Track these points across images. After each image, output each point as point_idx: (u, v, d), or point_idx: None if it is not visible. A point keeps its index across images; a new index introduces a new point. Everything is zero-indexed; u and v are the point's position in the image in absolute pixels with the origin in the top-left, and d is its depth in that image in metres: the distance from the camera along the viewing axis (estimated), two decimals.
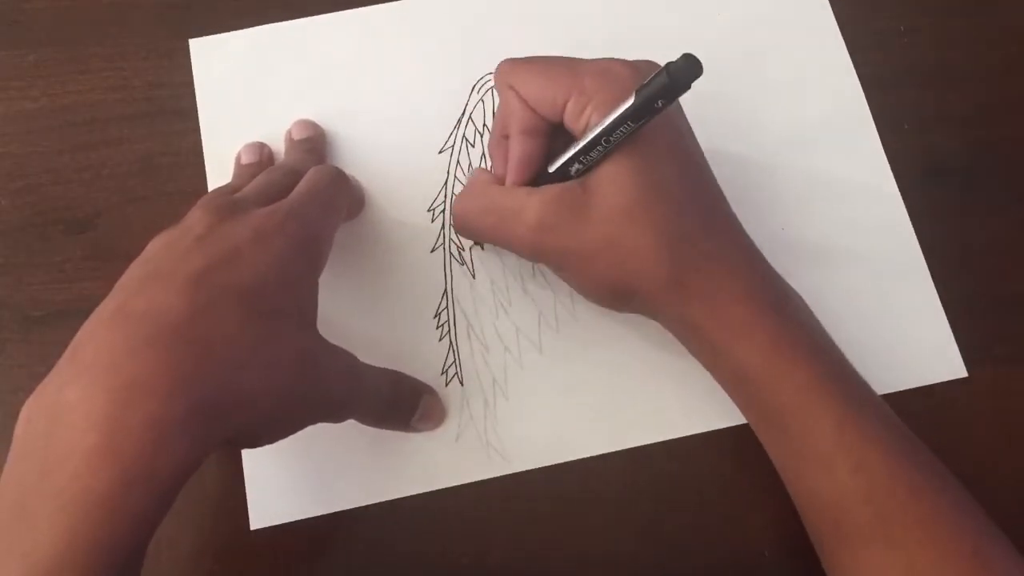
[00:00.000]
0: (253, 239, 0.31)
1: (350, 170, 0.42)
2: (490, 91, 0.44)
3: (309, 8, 0.46)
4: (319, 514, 0.38)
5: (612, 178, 0.32)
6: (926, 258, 0.41)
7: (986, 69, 0.45)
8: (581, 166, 0.33)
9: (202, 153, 0.43)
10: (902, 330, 0.40)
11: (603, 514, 0.38)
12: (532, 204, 0.33)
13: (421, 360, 0.40)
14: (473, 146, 0.43)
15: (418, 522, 0.38)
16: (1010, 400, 0.40)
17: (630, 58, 0.34)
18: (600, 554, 0.38)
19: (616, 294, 0.34)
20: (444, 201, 0.42)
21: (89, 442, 0.26)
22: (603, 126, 0.31)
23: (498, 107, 0.36)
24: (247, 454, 0.38)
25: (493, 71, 0.42)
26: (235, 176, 0.41)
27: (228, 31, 0.45)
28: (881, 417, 0.32)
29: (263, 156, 0.42)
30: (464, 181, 0.42)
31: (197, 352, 0.27)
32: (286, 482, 0.38)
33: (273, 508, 0.38)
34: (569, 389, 0.39)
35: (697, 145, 0.35)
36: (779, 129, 0.43)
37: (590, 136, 0.32)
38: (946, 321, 0.40)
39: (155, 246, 0.32)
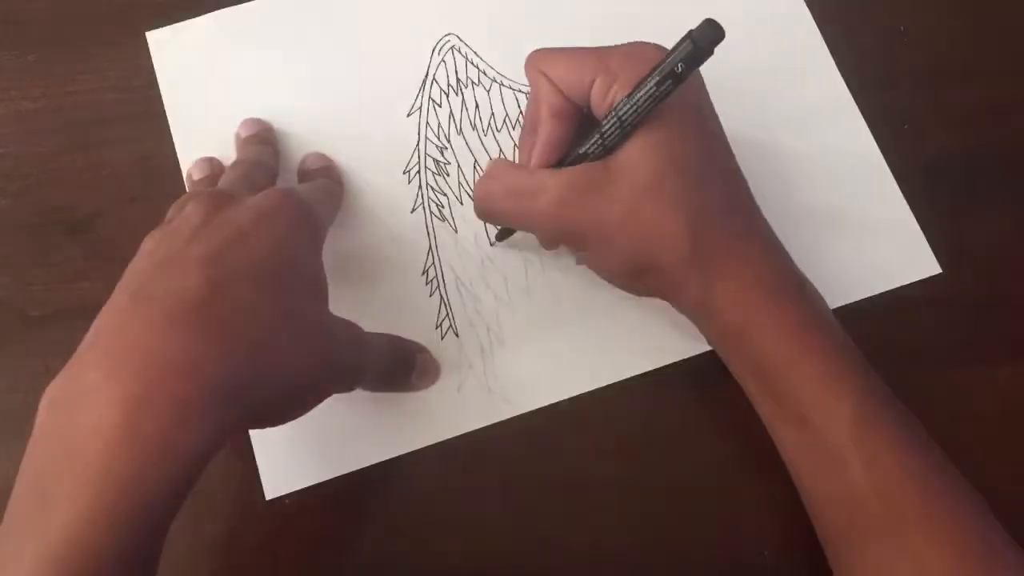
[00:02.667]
0: (255, 220, 0.31)
1: (323, 143, 0.43)
2: (451, 51, 0.45)
3: None
4: (331, 477, 0.38)
5: (634, 155, 0.32)
6: None
7: (986, 69, 0.45)
8: (600, 148, 0.33)
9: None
10: (873, 236, 0.41)
11: (602, 517, 0.38)
12: (554, 182, 0.33)
13: (415, 317, 0.40)
14: (440, 106, 0.44)
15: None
16: (1010, 399, 0.40)
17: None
18: (599, 554, 0.38)
19: (636, 271, 0.34)
20: (419, 162, 0.43)
21: (111, 421, 0.25)
22: (622, 101, 0.31)
23: (529, 97, 0.36)
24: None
25: (452, 32, 0.44)
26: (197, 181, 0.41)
27: None
28: (896, 414, 0.32)
29: (214, 169, 0.42)
30: (435, 141, 0.43)
31: (219, 330, 0.28)
32: (295, 449, 0.38)
33: (285, 476, 0.38)
34: (562, 327, 0.40)
35: (719, 124, 0.35)
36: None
37: (610, 113, 0.32)
38: (916, 223, 0.41)
39: (151, 243, 0.32)
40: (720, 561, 0.37)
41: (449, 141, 0.43)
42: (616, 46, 0.34)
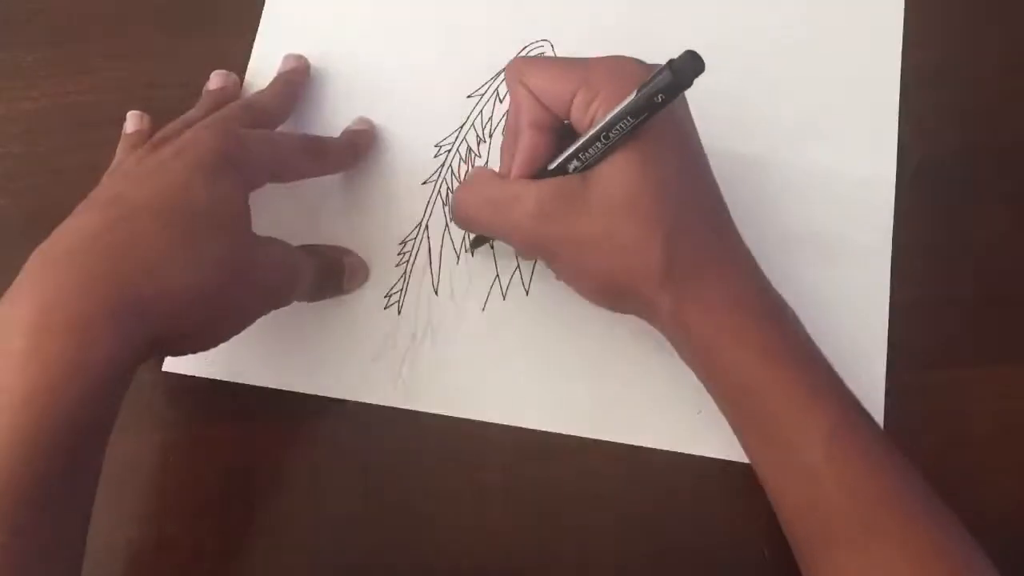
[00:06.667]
0: (173, 155, 0.34)
1: (378, 93, 0.44)
2: (539, 55, 0.45)
3: None
4: (227, 379, 0.40)
5: (613, 172, 0.32)
6: (926, 257, 0.41)
7: (986, 69, 0.45)
8: (580, 163, 0.33)
9: None
10: (843, 331, 0.38)
11: (601, 514, 0.38)
12: (531, 193, 0.33)
13: (371, 278, 0.41)
14: (501, 101, 0.44)
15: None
16: (1010, 400, 0.40)
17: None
18: (599, 554, 0.38)
19: (610, 288, 0.34)
20: (454, 142, 0.43)
21: (15, 347, 0.28)
22: (604, 121, 0.31)
23: (509, 105, 0.36)
24: None
25: (548, 39, 0.45)
26: (199, 103, 0.42)
27: (228, 34, 0.45)
28: (871, 432, 0.32)
29: (228, 83, 0.43)
30: (479, 131, 0.43)
31: (112, 256, 0.30)
32: None
33: (188, 360, 0.40)
34: (494, 355, 0.40)
35: (700, 145, 0.35)
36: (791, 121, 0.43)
37: (591, 132, 0.32)
38: (886, 340, 0.40)
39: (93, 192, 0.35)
40: (720, 561, 0.37)
41: (491, 136, 0.44)
42: (599, 59, 0.34)
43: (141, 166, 0.34)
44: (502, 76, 0.44)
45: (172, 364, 0.40)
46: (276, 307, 0.36)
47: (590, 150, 0.32)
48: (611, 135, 0.31)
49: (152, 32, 0.46)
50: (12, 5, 0.46)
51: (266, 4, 0.46)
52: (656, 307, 0.33)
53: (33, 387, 0.28)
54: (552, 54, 0.45)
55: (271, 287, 0.36)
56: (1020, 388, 0.40)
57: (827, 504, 0.31)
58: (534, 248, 0.35)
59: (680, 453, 0.38)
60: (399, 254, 0.42)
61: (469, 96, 0.44)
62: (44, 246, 0.32)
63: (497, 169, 0.37)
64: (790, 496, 0.33)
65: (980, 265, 0.41)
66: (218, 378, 0.40)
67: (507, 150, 0.36)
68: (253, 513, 0.38)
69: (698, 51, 0.29)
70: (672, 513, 0.38)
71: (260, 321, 0.37)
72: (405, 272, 0.41)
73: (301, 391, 0.40)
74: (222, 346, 0.39)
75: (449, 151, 0.43)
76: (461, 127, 0.44)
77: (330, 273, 0.39)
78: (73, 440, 0.29)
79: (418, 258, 0.42)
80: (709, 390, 0.35)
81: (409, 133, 0.43)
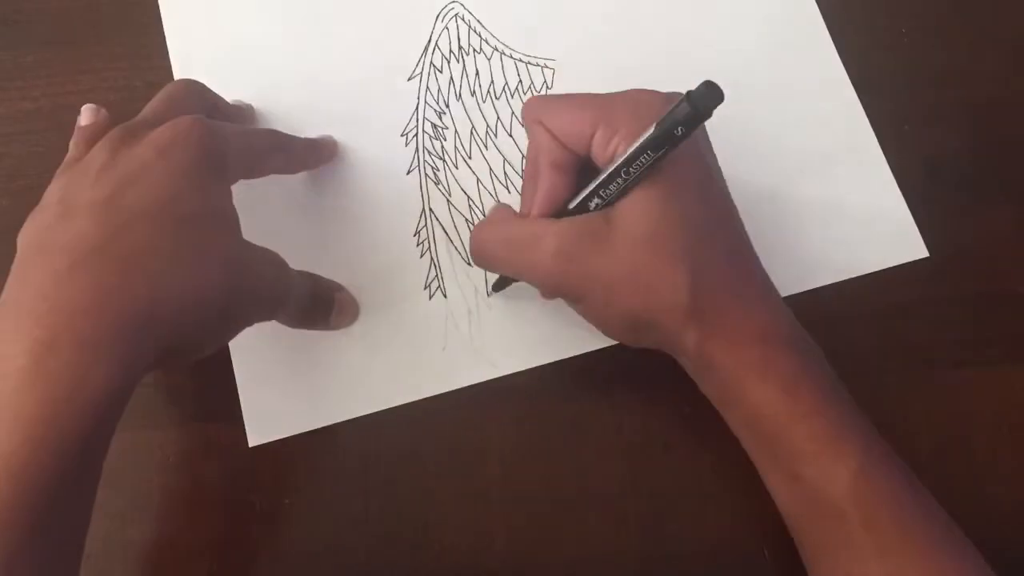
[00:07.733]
0: (156, 155, 0.32)
1: (323, 105, 0.44)
2: (455, 18, 0.45)
3: None
4: (315, 427, 0.39)
5: (635, 208, 0.32)
6: (926, 257, 0.41)
7: (986, 69, 0.45)
8: (601, 200, 0.32)
9: None
10: (861, 216, 0.41)
11: (602, 518, 0.38)
12: (552, 232, 0.32)
13: (404, 277, 0.41)
14: (440, 72, 0.45)
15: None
16: (1009, 399, 0.40)
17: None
18: (598, 556, 0.38)
19: (636, 325, 0.33)
20: (417, 125, 0.44)
21: (18, 366, 0.27)
22: (623, 157, 0.31)
23: (528, 144, 0.35)
24: (239, 370, 0.39)
25: (457, 0, 0.45)
26: (72, 142, 0.39)
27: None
28: (894, 469, 0.32)
29: (99, 119, 0.39)
30: (434, 106, 0.44)
31: (119, 269, 0.29)
32: (280, 396, 0.39)
33: (269, 423, 0.39)
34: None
35: (722, 178, 0.34)
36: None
37: (610, 168, 0.31)
38: (905, 204, 0.42)
39: (55, 189, 0.32)
40: (720, 561, 0.37)
41: (448, 107, 0.44)
42: (618, 94, 0.33)
43: (118, 164, 0.32)
44: (433, 48, 0.45)
45: (256, 436, 0.39)
46: (266, 317, 0.35)
47: (611, 187, 0.32)
48: (631, 171, 0.31)
49: (151, 32, 0.46)
50: (12, 5, 0.46)
51: (168, 41, 0.45)
52: (681, 342, 0.33)
53: (37, 407, 0.27)
54: (465, 12, 0.45)
55: (264, 292, 0.35)
56: (1020, 388, 0.40)
57: (851, 544, 0.31)
58: (557, 288, 0.34)
59: (682, 454, 0.38)
60: (418, 245, 0.42)
61: (409, 79, 0.44)
62: (38, 257, 0.30)
63: (510, 205, 0.37)
64: (814, 534, 0.32)
65: (980, 265, 0.42)
66: (315, 427, 0.39)
67: (527, 191, 0.35)
68: (253, 513, 0.38)
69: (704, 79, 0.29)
70: (672, 513, 0.38)
71: (326, 356, 0.37)
72: (432, 258, 0.42)
73: (395, 405, 0.39)
74: (303, 396, 0.39)
75: (416, 135, 0.44)
76: (416, 109, 0.44)
77: (320, 301, 0.39)
78: (73, 459, 0.28)
79: (437, 241, 0.42)
80: (729, 423, 0.34)
81: (371, 133, 0.44)
